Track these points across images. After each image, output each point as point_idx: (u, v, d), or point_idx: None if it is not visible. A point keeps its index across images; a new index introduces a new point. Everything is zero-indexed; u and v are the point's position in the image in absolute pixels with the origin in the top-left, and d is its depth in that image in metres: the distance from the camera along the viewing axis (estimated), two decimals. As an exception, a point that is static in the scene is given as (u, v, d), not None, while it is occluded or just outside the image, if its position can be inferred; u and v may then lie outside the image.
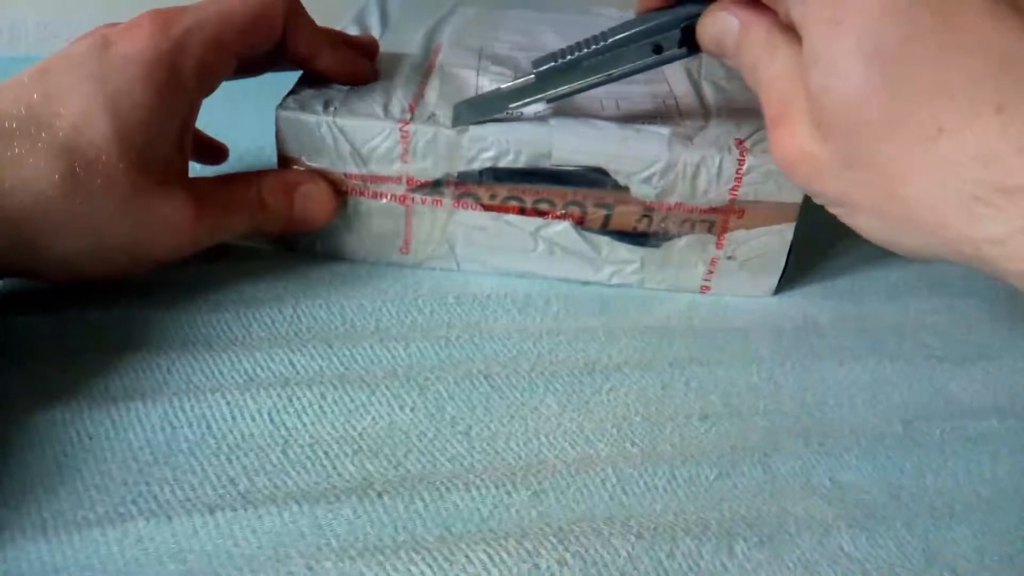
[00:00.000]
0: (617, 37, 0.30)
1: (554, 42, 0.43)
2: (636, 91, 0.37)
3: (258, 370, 0.29)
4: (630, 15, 0.50)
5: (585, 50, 0.31)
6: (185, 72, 0.29)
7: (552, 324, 0.33)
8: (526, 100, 0.32)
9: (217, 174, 0.33)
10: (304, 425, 0.27)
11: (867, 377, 0.32)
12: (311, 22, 0.33)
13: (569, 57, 0.31)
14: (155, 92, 0.28)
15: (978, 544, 0.25)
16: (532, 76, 0.32)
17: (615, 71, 0.31)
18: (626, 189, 0.33)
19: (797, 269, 0.37)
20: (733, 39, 0.28)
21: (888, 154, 0.23)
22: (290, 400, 0.27)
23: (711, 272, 0.35)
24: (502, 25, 0.45)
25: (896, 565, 0.24)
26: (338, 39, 0.36)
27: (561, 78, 0.32)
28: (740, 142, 0.33)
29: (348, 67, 0.35)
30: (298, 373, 0.29)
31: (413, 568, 0.22)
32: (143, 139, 0.28)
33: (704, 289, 0.36)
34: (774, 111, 0.27)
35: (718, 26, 0.29)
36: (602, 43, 0.30)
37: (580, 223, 0.34)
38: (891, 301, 0.37)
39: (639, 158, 0.32)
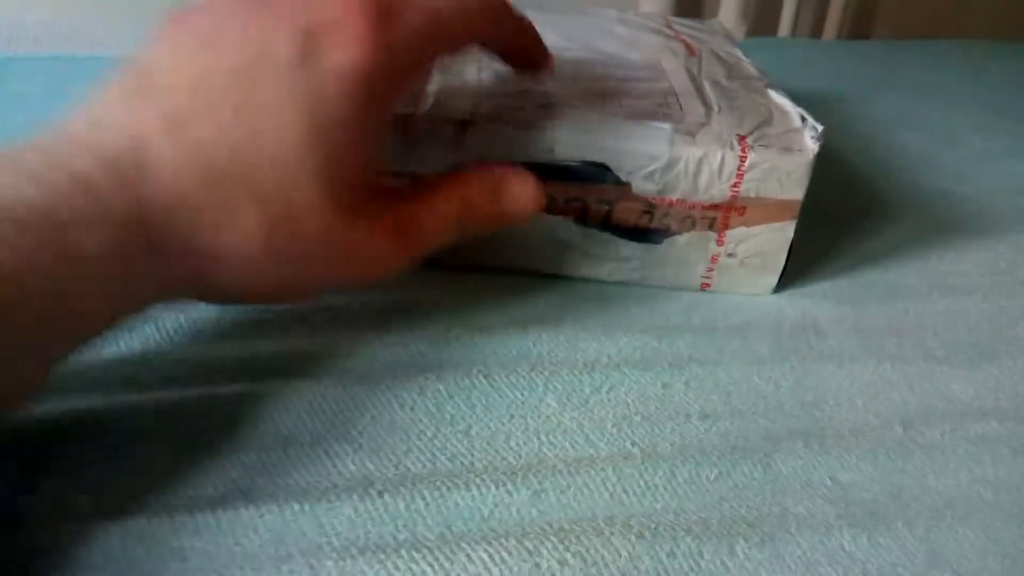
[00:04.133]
0: None
1: (554, 42, 0.43)
2: (638, 88, 0.37)
3: (256, 367, 0.28)
4: (627, 15, 0.50)
5: None
6: (396, 85, 0.25)
7: (551, 323, 0.33)
8: None
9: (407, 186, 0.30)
10: (304, 423, 0.27)
11: (867, 377, 0.32)
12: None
13: None
14: (367, 116, 0.24)
15: (980, 544, 0.25)
16: None
17: None
18: (627, 185, 0.33)
19: (797, 269, 0.37)
20: None
21: None
22: (290, 398, 0.27)
23: (711, 269, 0.35)
24: None
25: (897, 565, 0.24)
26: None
27: None
28: (742, 138, 0.33)
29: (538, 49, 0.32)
30: (298, 371, 0.29)
31: (414, 567, 0.22)
32: (351, 173, 0.25)
33: (704, 286, 0.36)
34: None
35: None
36: None
37: (581, 219, 0.34)
38: (891, 302, 0.37)
39: (641, 154, 0.32)
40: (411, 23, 0.25)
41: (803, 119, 0.35)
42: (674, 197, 0.33)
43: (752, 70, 0.42)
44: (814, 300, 0.36)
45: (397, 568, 0.22)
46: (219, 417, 0.26)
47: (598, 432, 0.28)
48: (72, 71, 0.54)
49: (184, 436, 0.25)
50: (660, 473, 0.26)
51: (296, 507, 0.23)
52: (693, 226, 0.34)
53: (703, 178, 0.33)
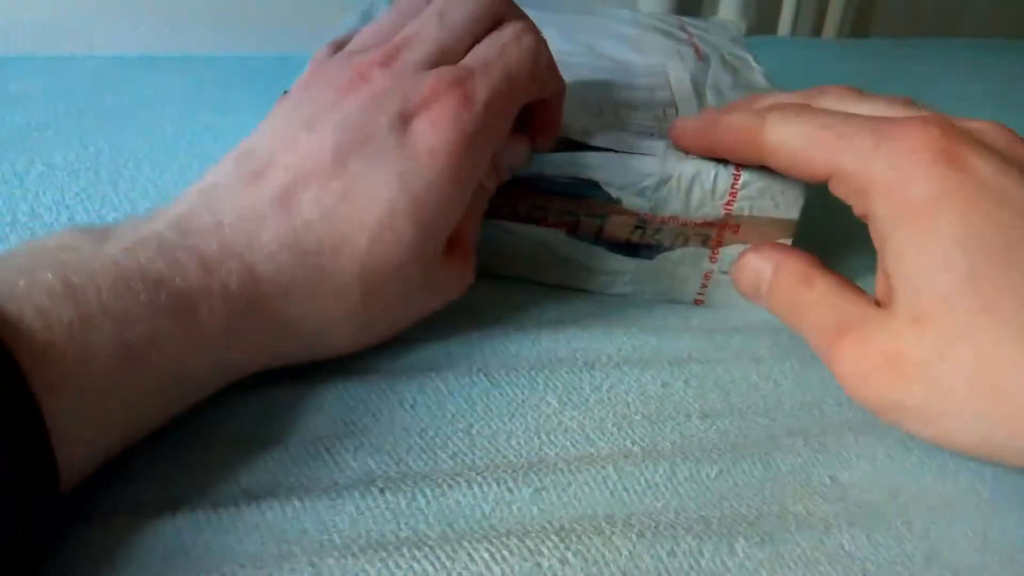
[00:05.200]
0: None
1: (557, 44, 0.43)
2: (637, 98, 0.37)
3: (259, 367, 0.29)
4: (639, 15, 0.50)
5: None
6: (484, 153, 0.27)
7: (551, 322, 0.33)
8: None
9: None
10: (305, 421, 0.27)
11: (866, 376, 0.32)
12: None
13: None
14: (457, 186, 0.26)
15: (979, 543, 0.25)
16: None
17: None
18: (619, 201, 0.33)
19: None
20: (767, 284, 0.29)
21: (989, 341, 0.23)
22: (290, 396, 0.27)
23: (705, 286, 0.35)
24: None
25: (896, 564, 0.24)
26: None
27: None
28: None
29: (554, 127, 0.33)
30: (299, 371, 0.29)
31: (415, 565, 0.22)
32: (441, 234, 0.27)
33: (698, 302, 0.36)
34: (831, 328, 0.27)
35: (751, 272, 0.30)
36: None
37: (572, 232, 0.34)
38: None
39: (632, 172, 0.32)
40: (491, 84, 0.27)
41: None
42: (666, 214, 0.33)
43: (760, 79, 0.41)
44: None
45: (399, 567, 0.22)
46: (220, 417, 0.26)
47: (598, 431, 0.28)
48: (72, 71, 0.54)
49: (185, 436, 0.25)
50: (660, 472, 0.26)
51: (298, 504, 0.23)
52: (686, 242, 0.34)
53: (696, 195, 0.32)
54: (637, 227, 0.33)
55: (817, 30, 0.99)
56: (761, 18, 0.94)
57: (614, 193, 0.33)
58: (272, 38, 0.65)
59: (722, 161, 0.32)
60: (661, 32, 0.46)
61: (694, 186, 0.32)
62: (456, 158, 0.26)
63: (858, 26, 1.01)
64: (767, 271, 0.29)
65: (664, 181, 0.32)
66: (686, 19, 0.50)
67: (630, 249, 0.34)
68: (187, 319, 0.23)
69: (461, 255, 0.30)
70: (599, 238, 0.34)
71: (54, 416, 0.19)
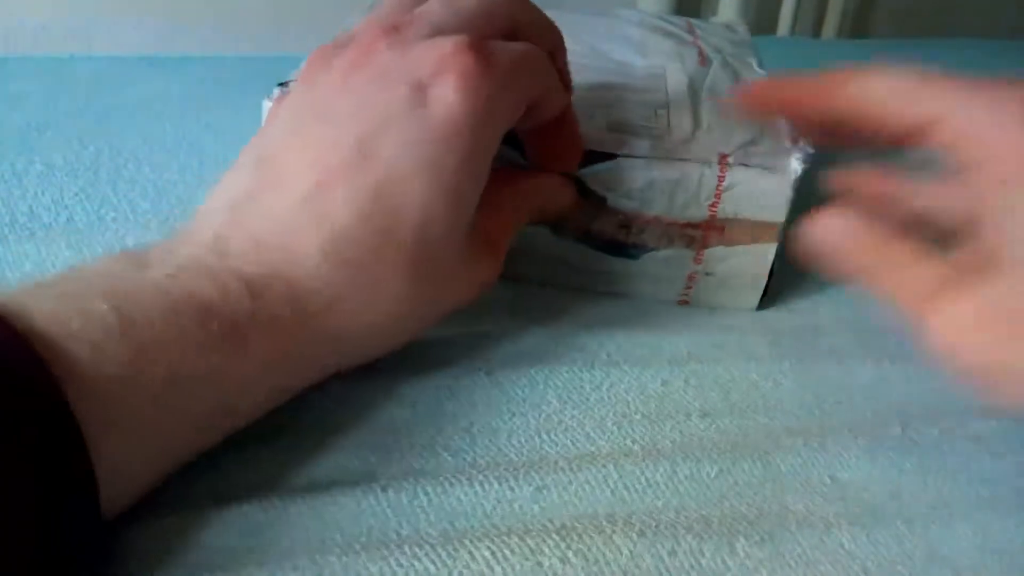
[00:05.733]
0: None
1: (568, 44, 0.43)
2: (631, 99, 0.36)
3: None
4: (648, 17, 0.49)
5: None
6: (504, 123, 0.26)
7: (551, 320, 0.33)
8: None
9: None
10: (306, 418, 0.27)
11: (866, 376, 0.32)
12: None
13: None
14: (484, 155, 0.26)
15: (978, 543, 0.25)
16: None
17: None
18: (605, 201, 0.33)
19: (794, 271, 0.36)
20: (851, 240, 0.27)
21: None
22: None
23: (689, 287, 0.35)
24: None
25: (897, 563, 0.24)
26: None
27: None
28: (723, 157, 0.32)
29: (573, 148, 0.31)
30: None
31: (417, 564, 0.22)
32: (470, 214, 0.26)
33: (682, 302, 0.36)
34: (927, 285, 0.25)
35: (831, 229, 0.28)
36: None
37: (556, 229, 0.34)
38: (890, 301, 0.37)
39: (620, 172, 0.32)
40: (502, 61, 0.26)
41: (795, 139, 0.34)
42: (652, 214, 0.33)
43: None
44: (812, 301, 0.36)
45: (400, 564, 0.22)
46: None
47: (599, 430, 0.28)
48: (72, 71, 0.54)
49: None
50: (661, 470, 0.26)
51: (300, 502, 0.23)
52: (671, 243, 0.34)
53: (680, 197, 0.32)
54: (622, 227, 0.33)
55: (817, 30, 0.99)
56: (761, 18, 0.94)
57: (600, 191, 0.33)
58: (272, 38, 0.65)
59: (707, 163, 0.32)
60: (666, 34, 0.46)
61: (679, 187, 0.32)
62: (482, 121, 0.25)
63: (858, 26, 1.01)
64: (850, 228, 0.27)
65: (651, 182, 0.32)
66: (694, 21, 0.50)
67: (615, 248, 0.34)
68: (238, 350, 0.22)
69: (495, 247, 0.29)
70: (585, 236, 0.34)
71: (102, 457, 0.19)
